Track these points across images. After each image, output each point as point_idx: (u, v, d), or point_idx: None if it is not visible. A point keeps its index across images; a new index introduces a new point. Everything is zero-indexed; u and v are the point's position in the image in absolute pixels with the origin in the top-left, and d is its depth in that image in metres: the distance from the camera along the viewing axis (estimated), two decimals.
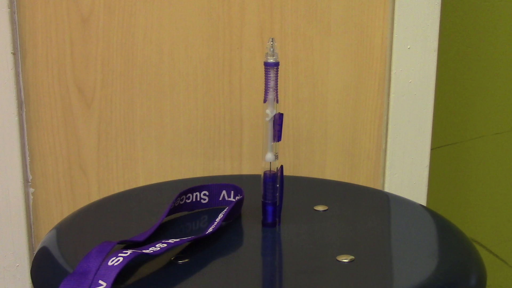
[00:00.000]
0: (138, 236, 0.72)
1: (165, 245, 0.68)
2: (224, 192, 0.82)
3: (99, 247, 0.65)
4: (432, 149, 1.12)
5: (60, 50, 1.05)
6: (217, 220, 0.76)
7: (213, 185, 0.82)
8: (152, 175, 1.10)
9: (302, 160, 1.11)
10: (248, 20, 1.06)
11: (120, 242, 0.70)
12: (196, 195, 0.81)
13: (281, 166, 0.77)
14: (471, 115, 1.31)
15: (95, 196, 1.10)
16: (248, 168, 1.10)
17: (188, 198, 0.81)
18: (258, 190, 0.79)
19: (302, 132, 1.10)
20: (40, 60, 1.05)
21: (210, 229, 0.74)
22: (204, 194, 0.82)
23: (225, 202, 0.82)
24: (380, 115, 1.10)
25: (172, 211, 0.79)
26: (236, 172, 1.10)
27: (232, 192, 0.83)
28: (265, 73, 0.75)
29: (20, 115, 1.06)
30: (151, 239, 0.72)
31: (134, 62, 1.06)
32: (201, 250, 0.72)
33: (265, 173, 0.77)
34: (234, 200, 0.83)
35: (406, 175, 1.11)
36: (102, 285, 0.61)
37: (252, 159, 1.10)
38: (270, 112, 0.75)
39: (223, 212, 0.77)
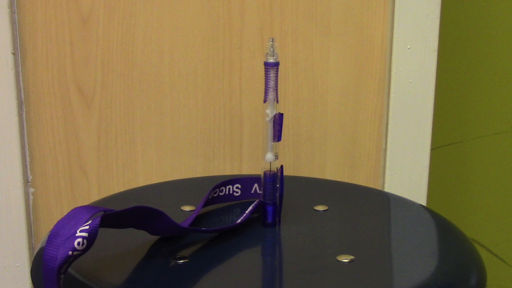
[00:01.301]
0: None
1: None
2: (256, 185, 0.84)
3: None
4: (432, 149, 1.12)
5: (60, 50, 1.05)
6: (246, 212, 0.78)
7: (246, 178, 0.85)
8: (152, 175, 1.10)
9: (302, 160, 1.11)
10: (248, 20, 1.06)
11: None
12: (229, 188, 0.84)
13: (281, 166, 0.77)
14: (471, 115, 1.31)
15: (95, 196, 1.10)
16: (248, 168, 1.10)
17: (222, 191, 0.83)
18: None
19: (302, 132, 1.10)
20: (40, 60, 1.05)
21: (239, 221, 0.77)
22: (237, 187, 0.84)
23: (256, 195, 0.84)
24: (380, 115, 1.10)
25: (206, 203, 0.81)
26: (236, 172, 1.10)
27: None
28: (265, 73, 0.75)
29: (20, 115, 1.06)
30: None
31: (134, 62, 1.06)
32: (201, 250, 0.72)
33: (265, 173, 0.77)
34: None
35: (406, 175, 1.11)
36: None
37: (252, 159, 1.10)
38: (270, 112, 0.75)
39: (252, 205, 0.79)
